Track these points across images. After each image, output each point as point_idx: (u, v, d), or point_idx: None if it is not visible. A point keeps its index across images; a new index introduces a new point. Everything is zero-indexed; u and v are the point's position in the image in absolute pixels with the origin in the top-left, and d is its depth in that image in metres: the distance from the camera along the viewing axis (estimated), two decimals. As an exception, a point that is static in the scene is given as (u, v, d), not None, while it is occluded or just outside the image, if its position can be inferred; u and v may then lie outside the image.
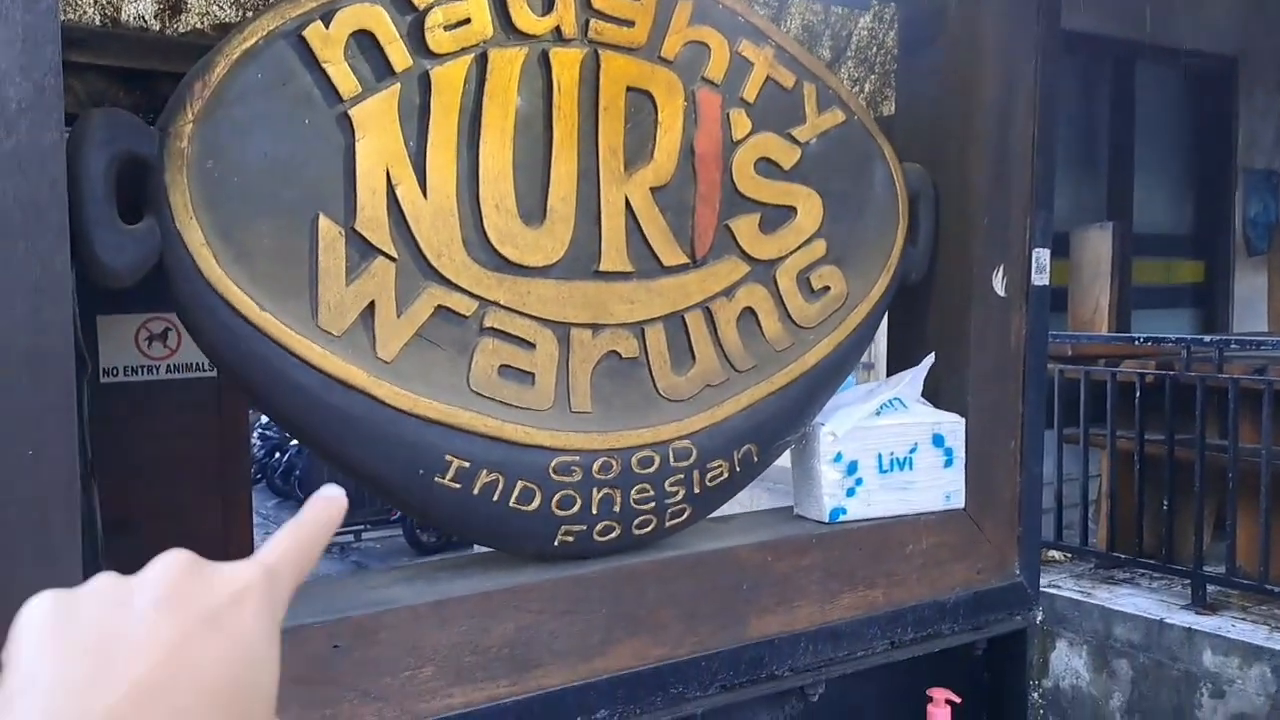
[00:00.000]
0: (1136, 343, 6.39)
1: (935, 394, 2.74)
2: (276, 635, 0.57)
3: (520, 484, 2.07)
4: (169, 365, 4.42)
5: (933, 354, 2.72)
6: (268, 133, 1.83)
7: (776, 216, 2.46)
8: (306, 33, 1.85)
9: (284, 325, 1.82)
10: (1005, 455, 2.78)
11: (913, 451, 2.63)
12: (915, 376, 2.70)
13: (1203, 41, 8.28)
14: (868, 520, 2.58)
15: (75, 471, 1.62)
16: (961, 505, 2.71)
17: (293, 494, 12.96)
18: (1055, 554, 6.22)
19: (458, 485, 2.00)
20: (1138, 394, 5.66)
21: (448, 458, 1.98)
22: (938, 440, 2.66)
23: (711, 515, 2.50)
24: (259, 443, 13.45)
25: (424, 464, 1.96)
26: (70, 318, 1.61)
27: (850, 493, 2.57)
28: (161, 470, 4.09)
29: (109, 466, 2.59)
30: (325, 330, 1.87)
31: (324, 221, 1.88)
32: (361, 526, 11.24)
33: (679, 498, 2.30)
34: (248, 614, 0.55)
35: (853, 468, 2.57)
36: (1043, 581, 3.20)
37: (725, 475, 2.37)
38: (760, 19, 2.43)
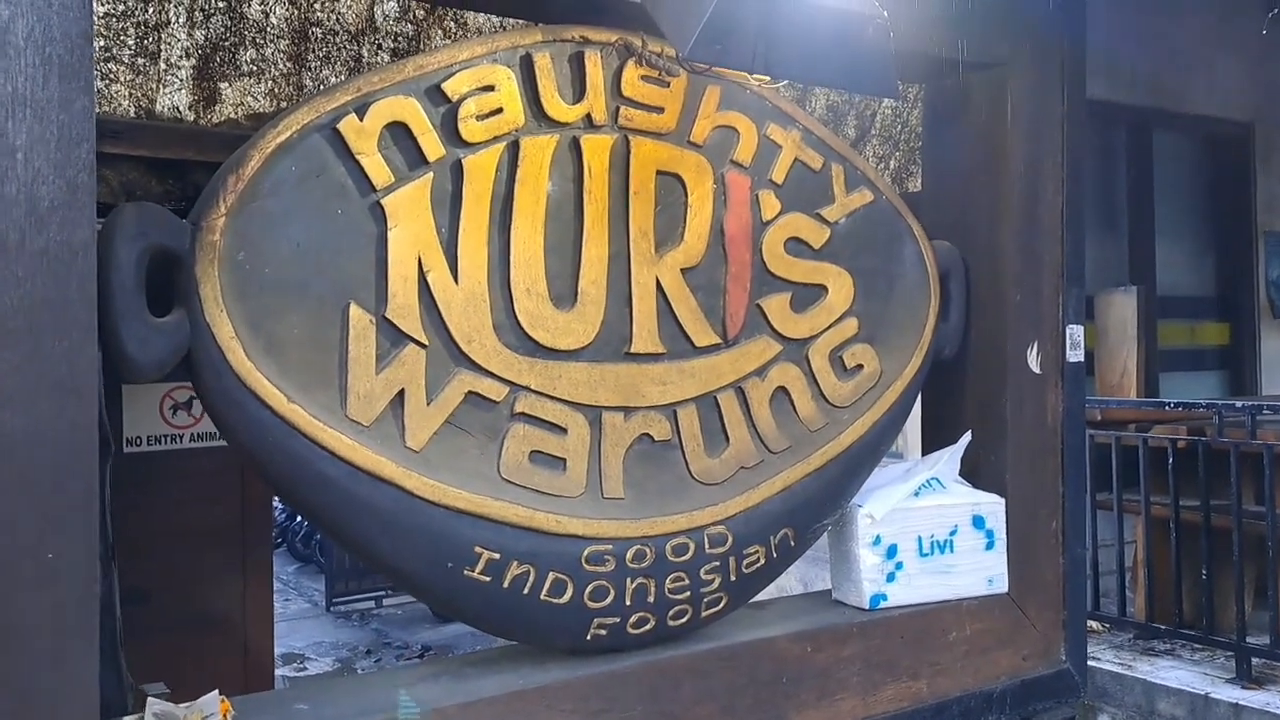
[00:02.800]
0: (1167, 408, 6.30)
1: (973, 473, 2.68)
2: None
3: (552, 575, 2.02)
4: (193, 434, 4.40)
5: (969, 432, 2.67)
6: (300, 224, 1.82)
7: (808, 295, 2.44)
8: (341, 125, 1.86)
9: (312, 417, 1.79)
10: (1047, 536, 2.71)
11: (953, 534, 2.57)
12: (953, 455, 2.64)
13: (1217, 108, 8.31)
14: (909, 606, 2.51)
15: (95, 573, 1.58)
16: (1004, 589, 2.64)
17: (313, 558, 12.83)
18: (1093, 624, 6.07)
19: (487, 578, 1.95)
20: (1170, 460, 5.56)
21: (477, 549, 1.94)
22: (978, 522, 2.59)
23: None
24: (280, 507, 13.36)
25: (452, 556, 1.92)
26: (95, 415, 1.58)
27: (890, 577, 2.50)
28: (184, 537, 4.05)
29: (130, 535, 2.55)
30: (354, 420, 1.84)
31: (355, 310, 1.86)
32: (382, 592, 11.10)
33: (715, 586, 2.24)
34: None
35: (892, 551, 2.50)
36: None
37: (762, 561, 2.31)
38: (787, 103, 2.42)
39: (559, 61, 2.09)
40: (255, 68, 2.07)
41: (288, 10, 2.06)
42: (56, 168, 1.55)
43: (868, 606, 2.47)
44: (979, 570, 2.60)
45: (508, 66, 2.03)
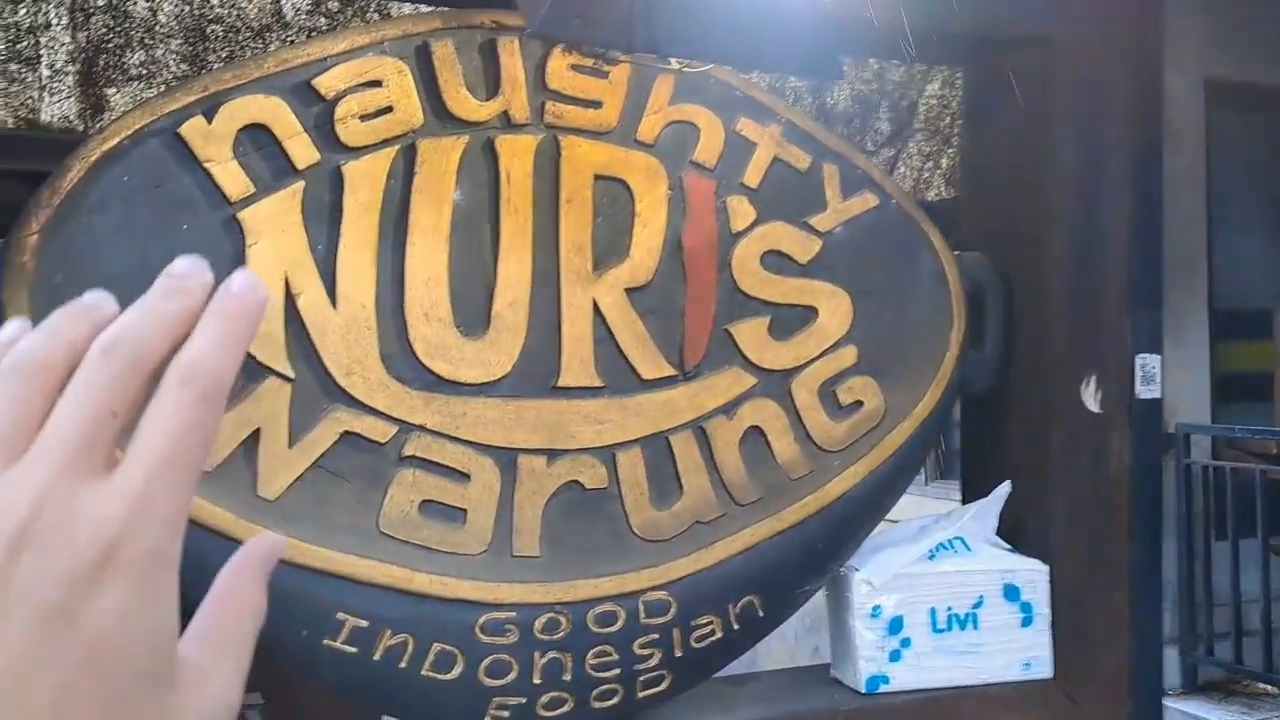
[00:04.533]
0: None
1: (1016, 533, 2.23)
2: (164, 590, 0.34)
3: (436, 647, 1.74)
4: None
5: (1008, 483, 2.22)
6: (134, 241, 1.62)
7: (791, 319, 2.07)
8: (184, 129, 1.64)
9: (134, 461, 1.57)
10: (1108, 610, 2.22)
11: (978, 606, 2.13)
12: (983, 511, 2.21)
13: None
14: (918, 691, 2.09)
15: None
16: (1048, 675, 2.17)
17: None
18: (1267, 687, 5.27)
19: (353, 649, 1.69)
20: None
21: (339, 616, 1.67)
22: (1011, 593, 2.14)
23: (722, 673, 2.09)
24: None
25: (308, 623, 1.66)
26: None
27: (894, 656, 2.09)
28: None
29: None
30: (189, 465, 1.62)
31: (200, 340, 1.64)
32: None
33: (653, 662, 1.90)
34: (112, 598, 0.32)
35: (897, 625, 2.09)
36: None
37: (717, 634, 1.95)
38: (763, 93, 2.08)
39: (466, 52, 1.82)
40: (145, 70, 1.89)
41: (177, 7, 1.89)
42: None
43: (863, 690, 2.07)
44: (1012, 651, 2.14)
45: (399, 59, 1.78)
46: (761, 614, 2.00)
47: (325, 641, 1.67)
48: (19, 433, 0.33)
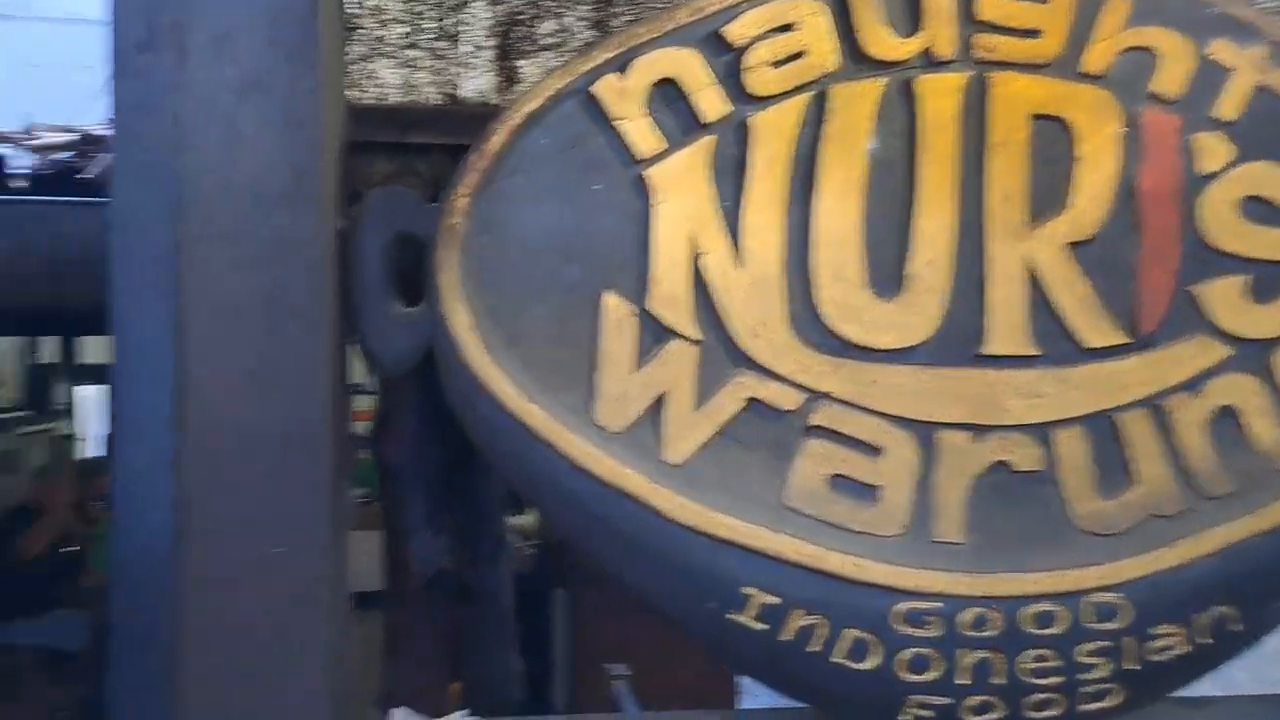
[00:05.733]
0: None
1: None
2: None
3: (850, 633, 1.60)
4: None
5: None
6: (550, 203, 1.63)
7: (1275, 278, 1.71)
8: (597, 88, 1.63)
9: (551, 418, 1.58)
10: None
11: None
12: None
13: None
14: None
15: (320, 571, 1.52)
16: None
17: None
18: None
19: (761, 626, 1.59)
20: None
21: (746, 590, 1.58)
22: None
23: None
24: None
25: (715, 595, 1.59)
26: (322, 410, 1.53)
27: None
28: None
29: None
30: (601, 426, 1.60)
31: (611, 300, 1.62)
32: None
33: (1100, 673, 1.64)
34: None
35: None
36: None
37: (1180, 648, 1.65)
38: (1242, 7, 1.73)
39: (886, -15, 1.67)
40: (555, 39, 1.92)
41: (587, -32, 1.90)
42: (283, 153, 1.52)
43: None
44: None
45: (813, -1, 1.66)
46: (1236, 628, 1.67)
47: (729, 615, 1.59)
48: None
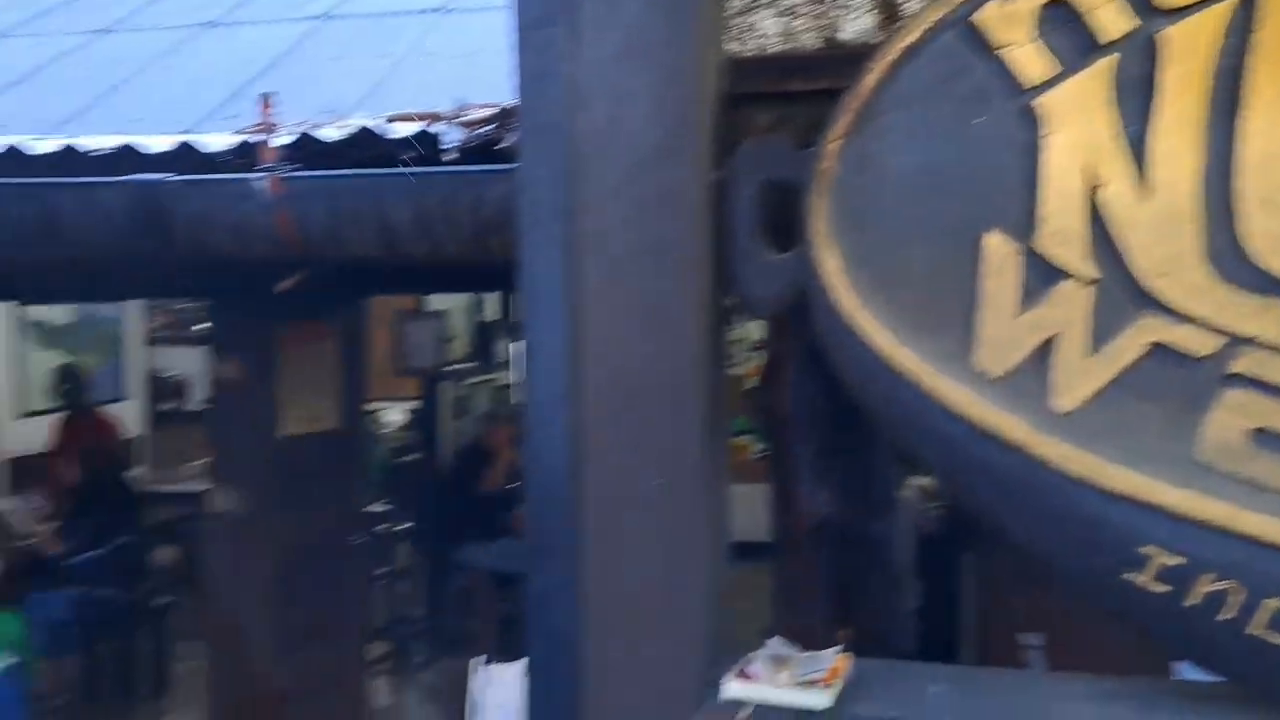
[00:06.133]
0: None
1: None
2: None
3: (1271, 603, 1.42)
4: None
5: None
6: (926, 140, 1.58)
7: None
8: (978, 16, 1.55)
9: (924, 362, 1.54)
10: None
11: None
12: None
13: None
14: None
15: (697, 504, 1.61)
16: None
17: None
18: None
19: (1162, 588, 1.46)
20: None
21: (1144, 549, 1.45)
22: None
23: None
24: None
25: (1109, 551, 1.47)
26: (692, 350, 1.60)
27: None
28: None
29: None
30: (980, 370, 1.53)
31: (994, 239, 1.55)
32: None
33: None
34: None
35: None
36: None
37: None
38: None
39: None
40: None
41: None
42: (662, 110, 1.59)
43: None
44: None
45: (1240, -115, 1.46)
46: None
47: (1125, 575, 1.47)
48: None
